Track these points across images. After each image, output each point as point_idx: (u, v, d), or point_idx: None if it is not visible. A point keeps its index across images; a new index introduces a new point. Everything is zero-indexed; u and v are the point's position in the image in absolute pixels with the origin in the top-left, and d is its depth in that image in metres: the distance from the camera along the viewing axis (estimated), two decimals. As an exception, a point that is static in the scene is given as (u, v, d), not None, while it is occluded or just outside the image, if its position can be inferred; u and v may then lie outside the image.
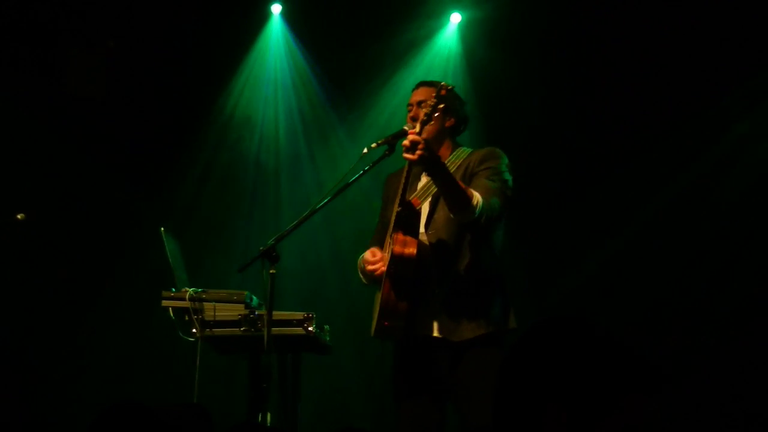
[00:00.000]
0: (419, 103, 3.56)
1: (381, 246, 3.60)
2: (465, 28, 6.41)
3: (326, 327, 4.57)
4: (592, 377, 1.37)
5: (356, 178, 3.54)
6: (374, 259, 3.52)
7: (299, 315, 4.34)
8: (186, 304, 4.36)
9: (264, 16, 6.57)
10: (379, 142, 3.50)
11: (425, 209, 3.52)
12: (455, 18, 6.39)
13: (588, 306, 5.78)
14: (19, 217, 4.78)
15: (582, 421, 1.35)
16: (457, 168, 3.54)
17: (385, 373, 3.61)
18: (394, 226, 3.41)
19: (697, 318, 5.66)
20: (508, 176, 3.52)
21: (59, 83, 6.30)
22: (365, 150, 3.50)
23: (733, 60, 5.74)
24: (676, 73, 5.81)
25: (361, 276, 3.62)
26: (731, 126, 5.86)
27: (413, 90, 3.69)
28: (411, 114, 3.58)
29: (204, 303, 4.38)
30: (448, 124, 3.62)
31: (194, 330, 4.36)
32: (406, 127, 3.50)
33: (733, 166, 5.83)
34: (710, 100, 5.84)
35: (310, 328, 4.31)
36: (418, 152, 3.22)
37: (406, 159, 3.28)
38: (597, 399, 1.36)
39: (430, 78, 5.95)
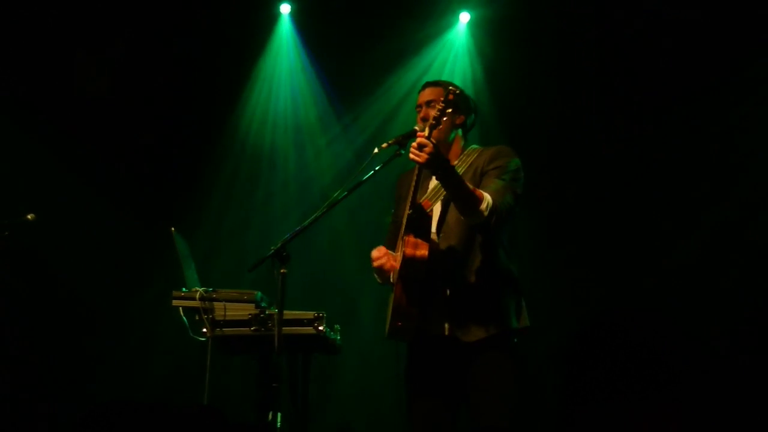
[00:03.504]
0: (428, 103, 3.56)
1: (393, 246, 3.60)
2: (474, 27, 6.40)
3: (337, 327, 4.58)
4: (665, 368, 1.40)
5: (367, 177, 3.54)
6: (378, 254, 3.53)
7: (310, 314, 4.34)
8: (196, 303, 4.37)
9: (273, 16, 6.58)
10: (390, 142, 3.50)
11: (437, 210, 3.52)
12: (464, 17, 6.39)
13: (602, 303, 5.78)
14: (29, 217, 4.80)
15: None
16: (468, 167, 3.54)
17: (399, 373, 3.61)
18: (405, 228, 3.41)
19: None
20: (518, 174, 3.52)
21: (68, 83, 6.32)
22: (376, 150, 3.49)
23: (752, 55, 5.74)
24: (686, 66, 5.80)
25: (375, 276, 3.62)
26: (750, 127, 5.84)
27: (420, 91, 3.69)
28: (421, 115, 3.58)
29: (214, 303, 4.39)
30: (458, 121, 3.62)
31: (205, 330, 4.36)
32: (416, 128, 3.50)
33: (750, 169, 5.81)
34: (709, 97, 5.84)
35: (321, 328, 4.32)
36: (425, 155, 3.22)
37: (413, 161, 3.28)
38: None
39: (439, 77, 6.01)
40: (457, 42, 6.45)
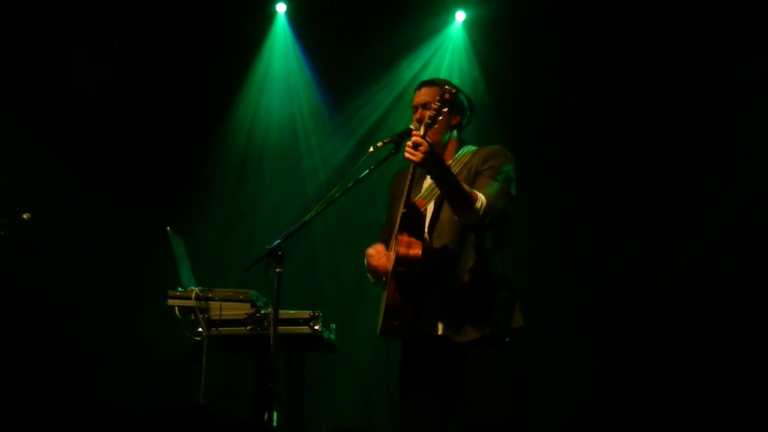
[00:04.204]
0: (423, 105, 3.54)
1: (387, 244, 3.60)
2: (470, 26, 6.40)
3: (332, 326, 4.58)
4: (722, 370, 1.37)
5: (362, 177, 3.54)
6: (374, 252, 3.53)
7: (305, 314, 4.35)
8: (192, 303, 4.37)
9: (269, 15, 6.57)
10: (385, 141, 3.50)
11: (430, 210, 3.52)
12: (460, 16, 6.39)
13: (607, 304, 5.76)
14: (24, 216, 4.79)
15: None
16: (462, 167, 3.53)
17: (391, 372, 3.61)
18: (399, 227, 3.41)
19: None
20: (512, 175, 3.51)
21: (64, 82, 6.31)
22: (371, 149, 3.49)
23: (746, 53, 5.73)
24: (684, 63, 5.80)
25: (368, 275, 3.62)
26: (748, 126, 5.82)
27: (416, 90, 3.67)
28: (416, 116, 3.56)
29: (210, 302, 4.39)
30: (454, 122, 3.60)
31: (200, 329, 4.36)
32: (411, 126, 3.50)
33: (747, 165, 5.80)
34: (703, 95, 5.84)
35: (316, 327, 4.32)
36: (420, 154, 3.21)
37: (408, 160, 3.27)
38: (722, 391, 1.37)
39: (435, 75, 6.00)
40: (453, 40, 6.44)
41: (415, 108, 3.60)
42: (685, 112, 5.89)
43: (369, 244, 3.65)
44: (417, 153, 3.21)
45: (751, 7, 5.69)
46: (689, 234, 5.84)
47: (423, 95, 3.59)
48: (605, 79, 6.02)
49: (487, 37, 6.34)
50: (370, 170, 3.53)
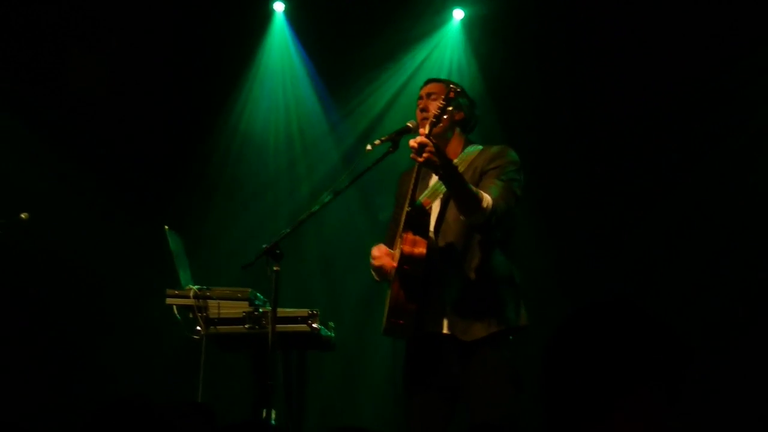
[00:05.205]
0: (428, 95, 3.57)
1: (392, 244, 3.60)
2: (468, 24, 6.41)
3: (331, 323, 4.58)
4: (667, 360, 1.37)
5: (360, 174, 3.54)
6: (379, 254, 3.53)
7: (304, 312, 4.35)
8: (190, 301, 4.37)
9: (267, 14, 6.58)
10: (383, 138, 3.50)
11: (435, 208, 3.52)
12: (458, 14, 6.39)
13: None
14: (23, 216, 4.79)
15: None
16: (468, 166, 3.53)
17: (396, 370, 3.61)
18: (404, 225, 3.42)
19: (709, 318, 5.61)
20: (518, 175, 3.52)
21: (62, 83, 6.31)
22: (369, 147, 3.49)
23: (747, 49, 5.73)
24: (681, 62, 5.80)
25: (373, 273, 3.63)
26: (747, 121, 5.82)
27: (422, 86, 3.70)
28: (421, 106, 3.58)
29: (208, 301, 4.39)
30: (457, 117, 3.60)
31: (199, 328, 4.36)
32: (409, 124, 3.51)
33: (746, 162, 5.80)
34: (702, 90, 5.84)
35: (315, 325, 4.32)
36: (425, 155, 3.21)
37: (413, 160, 3.27)
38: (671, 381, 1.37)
39: (431, 73, 6.01)
40: (451, 39, 6.45)
41: (421, 99, 3.62)
42: (684, 108, 5.88)
43: (366, 241, 3.65)
44: (422, 153, 3.22)
45: (745, 4, 5.69)
46: (690, 230, 5.84)
47: (430, 87, 3.65)
48: (603, 75, 6.02)
49: (484, 34, 6.34)
50: (368, 168, 3.53)
